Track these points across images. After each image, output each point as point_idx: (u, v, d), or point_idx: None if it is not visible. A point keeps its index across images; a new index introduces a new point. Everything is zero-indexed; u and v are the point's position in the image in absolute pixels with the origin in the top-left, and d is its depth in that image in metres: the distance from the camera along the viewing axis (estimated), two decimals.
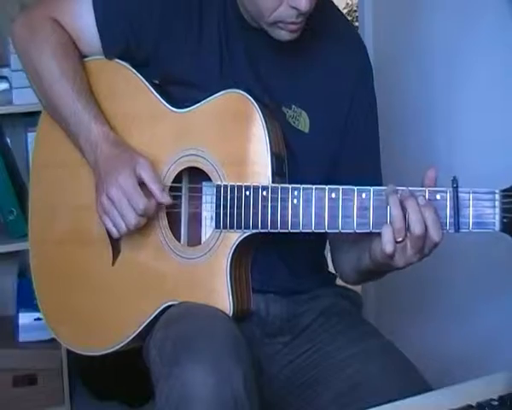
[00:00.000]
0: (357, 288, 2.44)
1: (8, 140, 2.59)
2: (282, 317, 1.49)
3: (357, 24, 2.65)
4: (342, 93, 1.49)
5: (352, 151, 1.50)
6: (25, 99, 2.27)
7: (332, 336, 1.46)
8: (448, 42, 2.09)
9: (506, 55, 1.87)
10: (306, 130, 1.47)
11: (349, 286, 1.60)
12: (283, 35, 1.38)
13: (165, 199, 1.40)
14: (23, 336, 2.49)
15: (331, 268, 1.61)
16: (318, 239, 1.54)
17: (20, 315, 2.48)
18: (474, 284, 2.04)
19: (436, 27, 2.14)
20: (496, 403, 1.14)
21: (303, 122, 1.47)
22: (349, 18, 5.50)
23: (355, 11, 5.06)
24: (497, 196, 1.20)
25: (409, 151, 2.23)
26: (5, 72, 2.46)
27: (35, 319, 2.38)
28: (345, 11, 5.53)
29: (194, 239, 1.46)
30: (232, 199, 1.37)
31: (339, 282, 1.61)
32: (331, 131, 1.48)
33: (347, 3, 5.54)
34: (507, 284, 1.91)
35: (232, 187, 1.37)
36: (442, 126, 2.15)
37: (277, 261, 1.49)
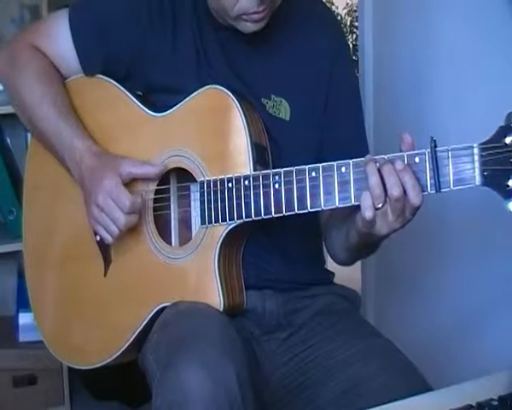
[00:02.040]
0: (357, 288, 2.44)
1: (8, 140, 2.59)
2: (280, 313, 1.49)
3: (357, 24, 2.65)
4: (319, 74, 1.50)
5: (337, 131, 1.50)
6: None
7: (331, 335, 1.46)
8: (447, 41, 2.09)
9: (505, 53, 1.87)
10: (287, 117, 1.48)
11: (347, 285, 1.60)
12: (249, 27, 1.40)
13: (154, 169, 1.41)
14: (23, 336, 2.49)
15: (330, 268, 1.61)
16: (313, 230, 1.54)
17: (20, 315, 2.48)
18: (474, 283, 2.04)
19: (435, 26, 2.14)
20: (496, 403, 1.13)
21: (283, 110, 1.48)
22: (349, 18, 5.51)
23: (355, 11, 5.06)
24: (475, 151, 1.19)
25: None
26: None
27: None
28: (345, 11, 5.53)
29: (186, 240, 1.46)
30: (216, 193, 1.38)
31: (337, 281, 1.61)
32: (313, 114, 1.50)
33: (347, 3, 5.54)
34: (505, 278, 1.92)
35: (215, 181, 1.38)
36: (440, 124, 2.14)
37: (273, 255, 1.49)
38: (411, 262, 2.22)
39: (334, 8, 5.27)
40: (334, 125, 1.50)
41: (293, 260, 1.51)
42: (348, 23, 5.45)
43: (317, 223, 1.54)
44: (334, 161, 1.30)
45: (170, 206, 1.48)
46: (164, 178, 1.46)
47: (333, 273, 1.61)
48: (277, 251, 1.49)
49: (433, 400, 1.22)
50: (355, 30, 4.91)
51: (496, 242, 1.92)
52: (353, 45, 4.18)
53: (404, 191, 1.21)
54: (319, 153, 1.49)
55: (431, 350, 2.13)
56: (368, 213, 1.23)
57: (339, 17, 5.30)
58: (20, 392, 2.48)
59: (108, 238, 1.43)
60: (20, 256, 2.32)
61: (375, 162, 1.24)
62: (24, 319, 2.46)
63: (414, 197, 1.22)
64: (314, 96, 1.50)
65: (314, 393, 1.41)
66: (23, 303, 2.43)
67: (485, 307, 2.00)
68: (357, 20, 2.66)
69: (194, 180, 1.43)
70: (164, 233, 1.46)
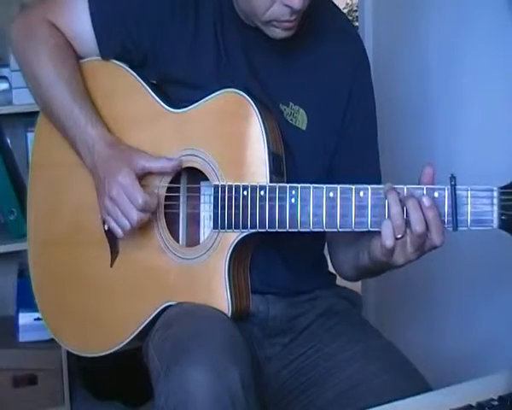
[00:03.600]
0: (357, 288, 2.44)
1: (8, 140, 2.59)
2: (282, 318, 1.49)
3: (357, 24, 2.65)
4: (339, 89, 1.49)
5: (351, 146, 1.50)
6: (25, 99, 2.25)
7: (332, 336, 1.47)
8: (448, 41, 2.09)
9: (506, 54, 1.87)
10: (304, 127, 1.47)
11: (348, 287, 1.60)
12: (278, 33, 1.39)
13: (171, 164, 1.40)
14: (23, 336, 2.48)
15: (330, 268, 1.61)
16: (317, 238, 1.54)
17: (20, 315, 2.47)
18: (473, 282, 2.04)
19: (436, 27, 2.14)
20: (496, 403, 1.14)
21: (300, 119, 1.47)
22: (349, 18, 5.51)
23: (355, 11, 5.06)
24: (495, 194, 1.20)
25: (407, 150, 2.23)
26: (5, 72, 2.46)
27: (35, 319, 2.38)
28: (345, 11, 5.53)
29: (193, 239, 1.46)
30: (230, 199, 1.37)
31: (339, 282, 1.61)
32: (329, 127, 1.49)
33: (347, 3, 5.54)
34: (506, 282, 1.91)
35: (230, 187, 1.37)
36: (441, 125, 2.15)
37: (277, 261, 1.49)
38: (411, 262, 2.22)
39: None
40: (349, 140, 1.49)
41: (296, 266, 1.51)
42: None
43: (322, 232, 1.53)
44: (345, 175, 1.31)
45: (179, 205, 1.47)
46: (174, 177, 1.45)
47: (335, 275, 1.60)
48: (281, 258, 1.49)
49: (433, 400, 1.22)
50: None
51: (498, 242, 1.92)
52: None
53: (427, 227, 1.22)
54: (331, 165, 1.48)
55: (431, 350, 2.13)
56: (388, 241, 1.23)
57: None
58: (20, 392, 2.48)
59: (119, 232, 1.42)
60: (20, 256, 2.32)
61: (395, 191, 1.24)
62: (24, 319, 2.46)
63: (436, 237, 1.22)
64: (332, 109, 1.48)
65: (314, 393, 1.42)
66: (23, 303, 2.44)
67: (485, 306, 2.00)
68: (357, 20, 2.65)
69: (204, 179, 1.42)
70: (172, 231, 1.45)
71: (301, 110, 1.47)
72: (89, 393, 2.62)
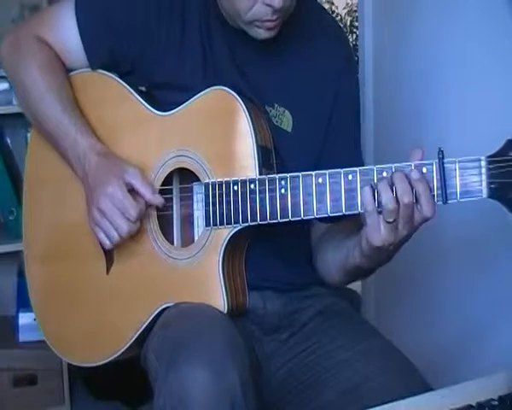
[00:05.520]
0: (357, 288, 2.44)
1: (8, 140, 2.59)
2: (280, 314, 1.50)
3: (357, 24, 2.65)
4: (325, 90, 1.50)
5: (335, 148, 1.50)
6: None
7: (331, 335, 1.46)
8: (447, 41, 2.09)
9: (504, 53, 1.87)
10: (289, 129, 1.48)
11: (348, 286, 1.60)
12: (261, 33, 1.40)
13: (158, 200, 1.41)
14: (23, 336, 2.49)
15: None
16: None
17: (20, 315, 2.48)
18: (473, 282, 2.05)
19: (435, 27, 2.15)
20: (496, 403, 1.14)
21: (286, 121, 1.47)
22: (349, 18, 5.51)
23: (355, 11, 5.06)
24: (483, 163, 1.20)
25: (406, 147, 2.23)
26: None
27: (35, 319, 2.38)
28: (345, 11, 5.53)
29: (188, 240, 1.46)
30: (221, 195, 1.38)
31: None
32: (314, 129, 1.49)
33: (347, 3, 5.54)
34: (507, 282, 1.92)
35: (220, 183, 1.38)
36: (441, 123, 2.15)
37: (272, 256, 1.49)
38: (411, 262, 2.22)
39: (334, 8, 5.28)
40: (333, 141, 1.50)
41: (292, 261, 1.51)
42: (348, 23, 5.45)
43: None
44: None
45: (172, 206, 1.47)
46: (167, 178, 1.45)
47: None
48: (277, 253, 1.49)
49: (433, 400, 1.22)
50: (355, 30, 4.91)
51: (496, 240, 1.92)
52: (353, 45, 4.18)
53: (416, 199, 1.22)
54: (316, 165, 1.48)
55: (431, 350, 2.13)
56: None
57: (338, 17, 5.31)
58: (20, 392, 2.48)
59: (107, 244, 1.42)
60: (20, 256, 2.32)
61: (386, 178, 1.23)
62: (24, 319, 2.47)
63: (427, 209, 1.22)
64: (318, 111, 1.49)
65: (314, 393, 1.41)
66: (23, 303, 2.44)
67: (486, 307, 2.00)
68: (357, 20, 2.66)
69: (197, 180, 1.43)
70: (166, 233, 1.46)
71: (286, 112, 1.47)
72: (89, 393, 2.62)
